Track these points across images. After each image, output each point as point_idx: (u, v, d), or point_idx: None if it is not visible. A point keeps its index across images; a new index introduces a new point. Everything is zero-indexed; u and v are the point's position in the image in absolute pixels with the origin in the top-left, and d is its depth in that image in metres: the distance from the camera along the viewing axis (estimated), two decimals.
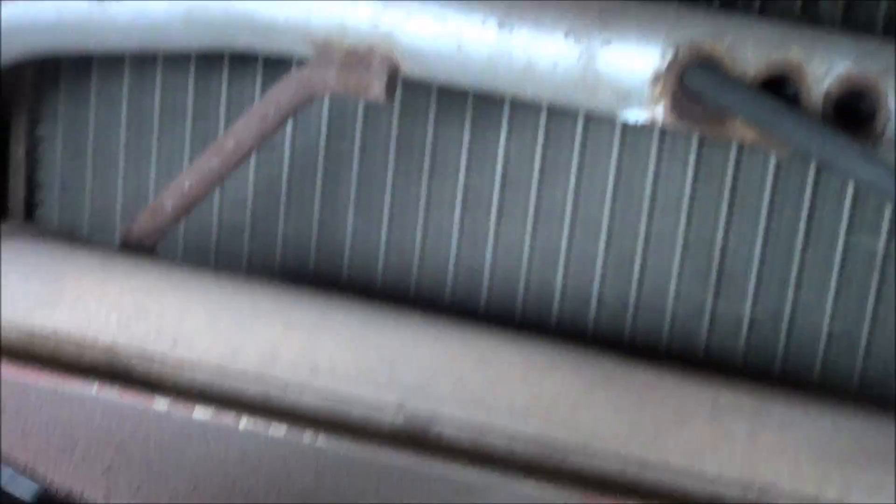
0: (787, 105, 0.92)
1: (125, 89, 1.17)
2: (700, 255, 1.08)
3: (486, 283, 1.12)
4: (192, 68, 1.15)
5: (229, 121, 1.14)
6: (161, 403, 0.85)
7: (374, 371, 0.92)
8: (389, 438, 0.88)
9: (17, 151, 1.18)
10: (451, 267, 1.13)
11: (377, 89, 0.99)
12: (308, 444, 0.83)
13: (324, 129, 1.13)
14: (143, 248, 1.05)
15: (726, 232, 1.07)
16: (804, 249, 1.07)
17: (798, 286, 1.07)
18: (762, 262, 1.07)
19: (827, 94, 0.93)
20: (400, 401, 0.91)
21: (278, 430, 0.84)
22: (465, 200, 1.12)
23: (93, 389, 0.85)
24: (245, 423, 0.84)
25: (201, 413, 0.85)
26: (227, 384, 0.92)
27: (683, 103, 0.95)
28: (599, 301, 1.11)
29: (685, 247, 1.08)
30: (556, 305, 1.11)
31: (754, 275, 1.08)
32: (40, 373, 0.85)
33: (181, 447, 0.80)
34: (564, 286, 1.11)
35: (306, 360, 0.93)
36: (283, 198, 1.15)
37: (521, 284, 1.12)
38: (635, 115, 0.97)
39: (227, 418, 0.84)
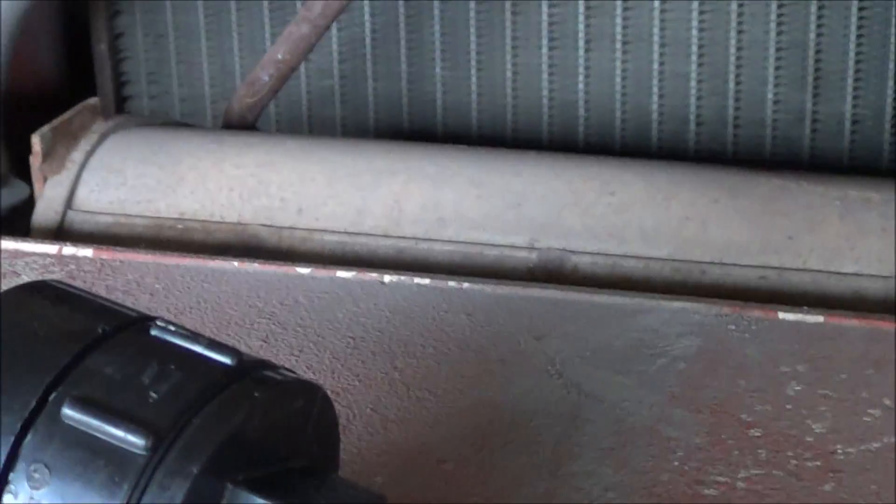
0: None
1: None
2: (794, 58, 1.07)
3: (581, 115, 1.12)
4: None
5: None
6: (303, 268, 0.86)
7: (500, 214, 0.93)
8: (527, 277, 0.89)
9: (100, 48, 1.18)
10: (545, 103, 1.12)
11: None
12: (454, 287, 0.84)
13: None
14: (245, 125, 1.05)
15: (818, 31, 1.06)
16: None
17: None
18: (858, 57, 1.06)
19: None
20: (531, 240, 0.92)
21: (423, 279, 0.85)
22: (551, 34, 1.11)
23: (234, 264, 0.86)
24: (389, 278, 0.85)
25: (344, 273, 0.86)
26: (358, 244, 0.93)
27: None
28: (698, 119, 1.10)
29: (778, 52, 1.08)
30: (654, 129, 1.11)
31: (852, 72, 1.07)
32: (180, 256, 0.86)
33: (332, 308, 0.81)
34: (661, 108, 1.11)
35: (432, 212, 0.93)
36: (368, 57, 1.15)
37: (618, 113, 1.11)
38: None
39: (371, 275, 0.85)
